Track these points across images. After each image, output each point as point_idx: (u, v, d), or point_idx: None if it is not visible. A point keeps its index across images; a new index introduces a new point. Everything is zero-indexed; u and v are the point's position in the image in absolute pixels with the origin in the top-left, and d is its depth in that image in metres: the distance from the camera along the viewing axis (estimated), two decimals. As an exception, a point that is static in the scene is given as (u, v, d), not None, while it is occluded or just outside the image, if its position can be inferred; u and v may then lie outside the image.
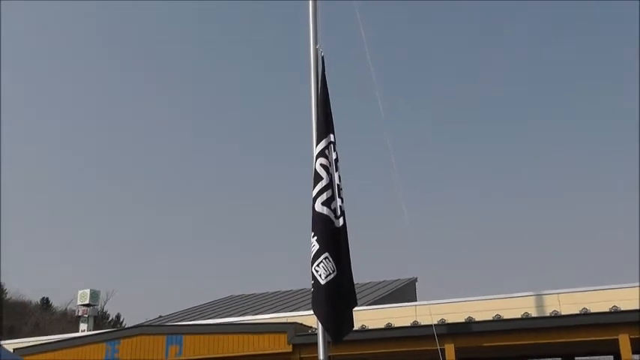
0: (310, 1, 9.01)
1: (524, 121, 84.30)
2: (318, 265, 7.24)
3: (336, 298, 7.26)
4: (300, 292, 24.86)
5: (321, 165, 7.73)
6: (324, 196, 7.55)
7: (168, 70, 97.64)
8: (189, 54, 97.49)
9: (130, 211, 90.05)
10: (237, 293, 29.36)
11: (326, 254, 7.28)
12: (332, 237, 7.43)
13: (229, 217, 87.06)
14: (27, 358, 12.93)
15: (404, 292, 23.44)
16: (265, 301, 24.99)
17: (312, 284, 7.29)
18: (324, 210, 7.49)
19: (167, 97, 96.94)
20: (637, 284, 13.53)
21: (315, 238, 7.39)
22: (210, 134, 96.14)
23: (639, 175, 76.95)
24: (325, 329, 7.30)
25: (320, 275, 7.20)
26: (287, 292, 26.64)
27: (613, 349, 11.35)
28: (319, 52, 8.64)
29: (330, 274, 7.19)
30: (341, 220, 7.56)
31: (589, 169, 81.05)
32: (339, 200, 7.64)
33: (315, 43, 8.74)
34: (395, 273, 26.43)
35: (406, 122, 73.92)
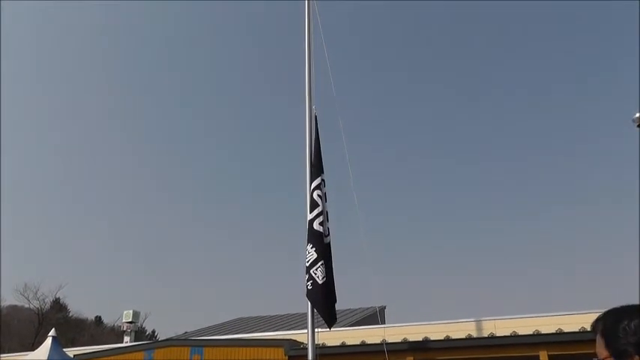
0: (306, 79, 9.09)
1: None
2: (316, 269, 7.48)
3: (328, 295, 7.49)
4: (294, 316, 24.45)
5: (318, 195, 8.00)
6: (320, 219, 7.81)
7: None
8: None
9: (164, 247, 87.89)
10: (245, 315, 29.00)
11: (322, 262, 7.54)
12: (324, 249, 7.68)
13: (246, 261, 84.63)
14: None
15: (375, 317, 23.17)
16: (266, 322, 24.64)
17: (311, 283, 7.43)
18: (320, 229, 7.74)
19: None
20: (555, 314, 13.63)
21: (314, 249, 7.61)
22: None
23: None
24: (322, 316, 7.47)
25: (318, 277, 7.45)
26: (284, 315, 26.26)
27: (535, 363, 11.35)
28: (313, 112, 8.82)
29: (324, 277, 7.44)
30: (329, 238, 7.80)
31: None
32: (327, 223, 7.88)
33: (311, 104, 8.87)
34: (369, 302, 26.03)
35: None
